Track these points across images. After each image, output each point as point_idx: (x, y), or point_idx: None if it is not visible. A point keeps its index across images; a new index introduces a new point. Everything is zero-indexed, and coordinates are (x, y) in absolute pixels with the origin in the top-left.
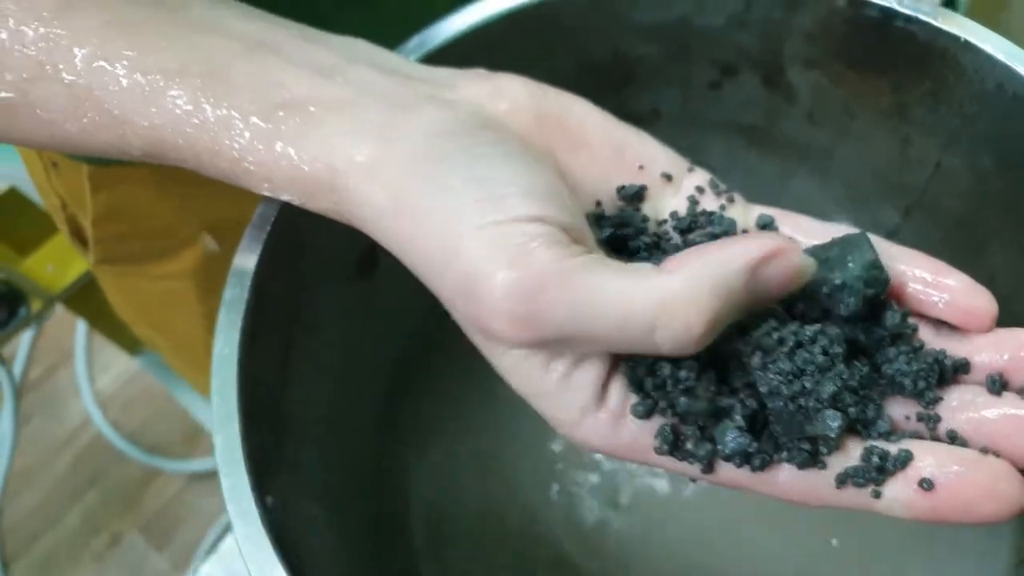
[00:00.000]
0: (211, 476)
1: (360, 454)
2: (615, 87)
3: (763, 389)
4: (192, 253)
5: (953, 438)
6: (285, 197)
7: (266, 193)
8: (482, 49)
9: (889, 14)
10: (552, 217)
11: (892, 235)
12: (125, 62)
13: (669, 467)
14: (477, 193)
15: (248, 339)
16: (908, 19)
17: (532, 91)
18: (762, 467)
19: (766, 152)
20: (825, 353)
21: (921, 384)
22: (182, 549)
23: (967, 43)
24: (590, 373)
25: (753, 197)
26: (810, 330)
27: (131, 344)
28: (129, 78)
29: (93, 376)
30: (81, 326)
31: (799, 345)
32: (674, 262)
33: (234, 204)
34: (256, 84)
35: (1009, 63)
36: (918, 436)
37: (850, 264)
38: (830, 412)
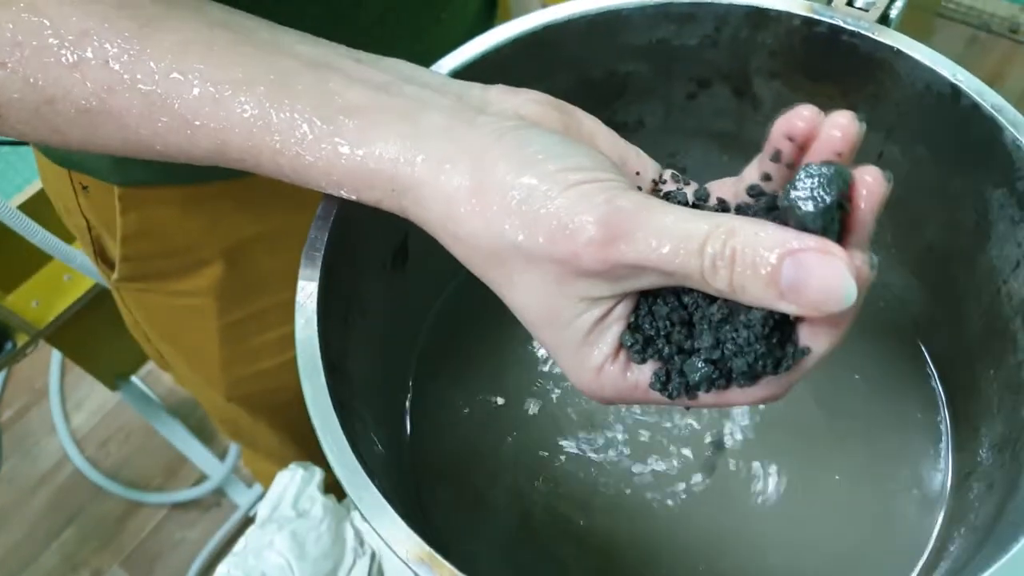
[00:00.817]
0: (193, 505)
1: (394, 396)
2: (607, 100)
3: (705, 345)
4: (213, 270)
5: None
6: (343, 192)
7: (323, 188)
8: (494, 69)
9: (836, 30)
10: (619, 177)
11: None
12: (197, 74)
13: (663, 401)
14: (557, 164)
15: (322, 318)
16: (852, 34)
17: (554, 103)
18: (726, 387)
19: (735, 153)
20: (746, 335)
21: None
22: None
23: (899, 52)
24: (617, 328)
25: None
26: (748, 315)
27: (111, 378)
28: (201, 87)
29: (68, 414)
30: (55, 365)
31: (725, 320)
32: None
33: (253, 223)
34: (317, 93)
35: (934, 67)
36: None
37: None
38: (747, 372)
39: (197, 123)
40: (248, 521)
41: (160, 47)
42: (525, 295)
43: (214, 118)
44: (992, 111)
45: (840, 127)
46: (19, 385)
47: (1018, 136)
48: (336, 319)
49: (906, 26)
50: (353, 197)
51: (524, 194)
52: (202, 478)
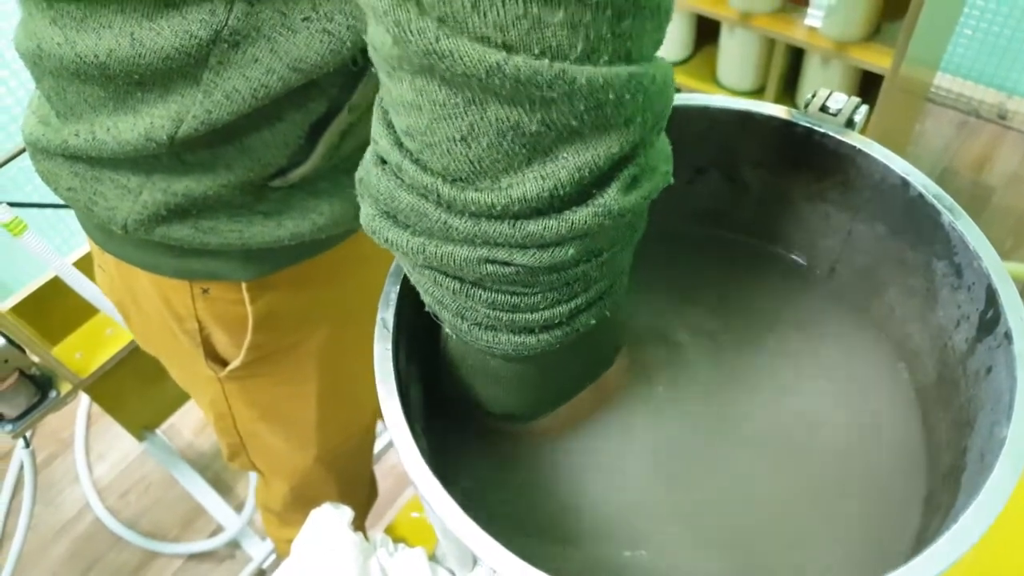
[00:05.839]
0: (208, 556)
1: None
2: None
3: None
4: (318, 337)
5: None
6: None
7: None
8: None
9: (811, 130)
10: None
11: (825, 282)
12: None
13: None
14: None
15: (395, 349)
16: (823, 134)
17: None
18: None
19: (726, 227)
20: None
21: None
22: None
23: (860, 150)
24: None
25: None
26: None
27: (139, 429)
28: None
29: (91, 465)
30: (81, 416)
31: None
32: None
33: (341, 288)
34: None
35: (887, 163)
36: None
37: None
38: None
39: None
40: (262, 573)
41: None
42: None
43: None
44: (933, 199)
45: None
46: (46, 436)
47: (953, 220)
48: (401, 354)
49: (898, 111)
50: None
51: None
52: (218, 529)
